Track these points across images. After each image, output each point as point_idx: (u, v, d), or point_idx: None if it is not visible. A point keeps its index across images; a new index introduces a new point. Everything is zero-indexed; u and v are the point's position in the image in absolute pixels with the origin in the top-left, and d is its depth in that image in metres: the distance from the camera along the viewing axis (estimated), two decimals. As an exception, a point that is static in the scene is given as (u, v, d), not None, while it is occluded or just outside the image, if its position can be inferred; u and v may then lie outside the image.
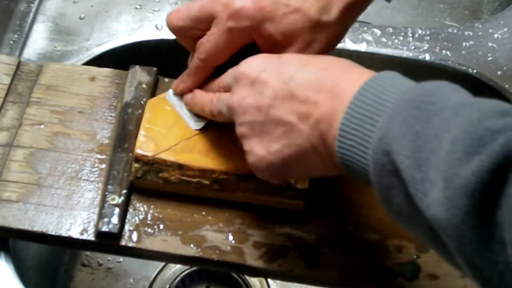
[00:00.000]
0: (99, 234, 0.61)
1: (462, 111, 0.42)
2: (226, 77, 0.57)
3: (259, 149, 0.53)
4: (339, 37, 0.60)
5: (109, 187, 0.62)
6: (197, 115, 0.63)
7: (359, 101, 0.47)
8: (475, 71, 0.83)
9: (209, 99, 0.60)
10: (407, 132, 0.43)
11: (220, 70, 0.60)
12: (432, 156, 0.41)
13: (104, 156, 0.66)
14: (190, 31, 0.60)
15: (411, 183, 0.42)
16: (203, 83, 0.63)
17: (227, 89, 0.57)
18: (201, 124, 0.63)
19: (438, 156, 0.41)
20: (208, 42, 0.59)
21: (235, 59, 0.59)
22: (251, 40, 0.59)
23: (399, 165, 0.43)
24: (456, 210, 0.39)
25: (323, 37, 0.58)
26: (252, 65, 0.54)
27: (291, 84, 0.51)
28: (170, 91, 0.66)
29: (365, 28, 0.85)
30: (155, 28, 0.84)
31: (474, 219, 0.38)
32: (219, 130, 0.63)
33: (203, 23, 0.59)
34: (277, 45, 0.58)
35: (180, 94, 0.65)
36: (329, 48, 0.59)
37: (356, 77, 0.49)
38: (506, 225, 0.38)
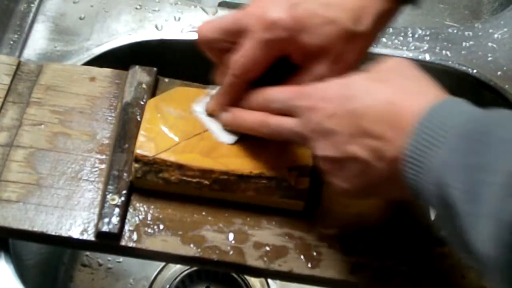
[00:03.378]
0: (99, 234, 0.61)
1: None
2: (279, 101, 0.57)
3: (342, 184, 0.55)
4: (371, 46, 0.60)
5: (109, 187, 0.62)
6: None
7: (421, 134, 0.47)
8: (475, 71, 0.83)
9: (259, 121, 0.59)
10: (461, 164, 0.43)
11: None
12: (484, 190, 0.41)
13: (104, 156, 0.66)
14: (220, 44, 0.60)
15: (460, 216, 0.42)
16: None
17: (285, 113, 0.56)
18: (235, 138, 0.63)
19: (490, 191, 0.41)
20: (243, 56, 0.58)
21: (266, 75, 0.59)
22: (286, 52, 0.58)
23: (451, 197, 0.43)
24: (505, 249, 0.39)
25: (357, 48, 0.58)
26: (317, 96, 0.54)
27: (361, 119, 0.51)
28: (195, 106, 0.65)
29: (365, 28, 0.85)
30: (155, 28, 0.84)
31: None
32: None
33: (235, 36, 0.58)
34: (312, 56, 0.58)
35: (215, 113, 0.63)
36: (361, 57, 0.59)
37: (420, 102, 0.49)
38: None
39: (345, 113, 0.52)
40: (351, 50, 0.58)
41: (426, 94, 0.50)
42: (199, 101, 0.65)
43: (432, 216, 0.66)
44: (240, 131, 0.62)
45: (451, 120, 0.47)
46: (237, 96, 0.61)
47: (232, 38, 0.59)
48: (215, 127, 0.63)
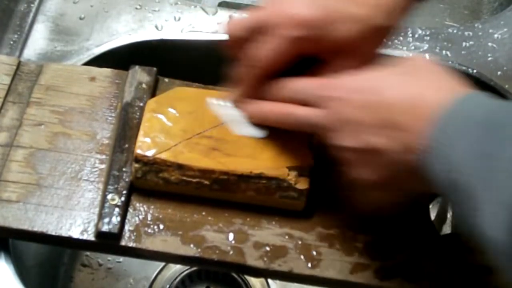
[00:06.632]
0: (99, 234, 0.61)
1: None
2: (305, 92, 0.57)
3: (365, 176, 0.55)
4: (391, 37, 0.61)
5: (109, 187, 0.62)
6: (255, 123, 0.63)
7: (444, 127, 0.48)
8: (475, 71, 0.83)
9: (285, 112, 0.59)
10: (477, 152, 0.44)
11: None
12: (498, 178, 0.42)
13: (104, 156, 0.66)
14: (248, 42, 0.60)
15: (473, 202, 0.43)
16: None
17: (310, 104, 0.56)
18: (266, 132, 0.62)
19: (504, 178, 0.42)
20: (270, 50, 0.58)
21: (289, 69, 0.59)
22: (314, 49, 0.59)
23: (465, 184, 0.44)
24: None
25: (381, 40, 0.60)
26: (344, 88, 0.54)
27: (389, 110, 0.52)
28: (212, 101, 0.64)
29: (365, 28, 0.85)
30: (155, 28, 0.84)
31: None
32: (219, 130, 0.63)
33: (263, 33, 0.58)
34: (340, 53, 0.58)
35: (236, 104, 0.63)
36: (381, 48, 0.61)
37: (445, 95, 0.50)
38: None
39: (373, 104, 0.52)
40: (378, 44, 0.60)
41: (450, 88, 0.51)
42: (213, 98, 0.65)
43: (432, 217, 0.66)
44: (265, 124, 0.62)
45: (472, 112, 0.47)
46: (258, 88, 0.61)
47: (259, 36, 0.59)
48: (234, 120, 0.63)
